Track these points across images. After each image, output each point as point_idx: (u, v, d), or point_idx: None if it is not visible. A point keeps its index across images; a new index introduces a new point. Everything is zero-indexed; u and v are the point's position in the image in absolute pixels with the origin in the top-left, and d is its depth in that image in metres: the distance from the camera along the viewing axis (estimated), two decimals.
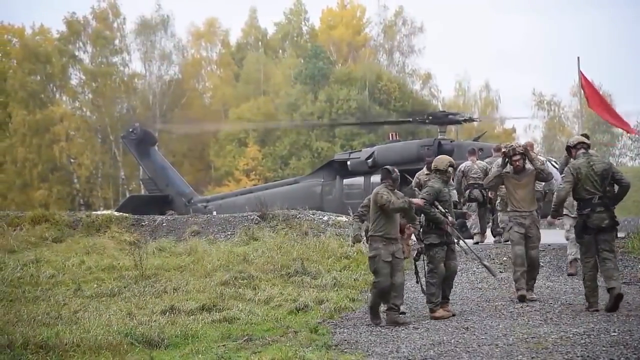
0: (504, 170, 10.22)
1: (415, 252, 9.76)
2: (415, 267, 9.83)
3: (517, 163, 10.04)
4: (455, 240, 9.65)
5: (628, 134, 52.83)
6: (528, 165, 10.14)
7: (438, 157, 10.14)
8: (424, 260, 9.69)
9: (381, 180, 9.47)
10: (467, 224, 15.08)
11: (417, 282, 9.85)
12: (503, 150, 10.40)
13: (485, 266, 10.15)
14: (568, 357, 6.98)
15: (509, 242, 10.63)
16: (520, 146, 10.21)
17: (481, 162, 15.10)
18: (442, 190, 9.64)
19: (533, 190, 10.29)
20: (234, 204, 25.01)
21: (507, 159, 10.14)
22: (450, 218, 9.56)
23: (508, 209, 10.61)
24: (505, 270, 12.05)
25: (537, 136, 59.48)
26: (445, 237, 9.53)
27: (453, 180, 10.77)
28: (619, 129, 51.39)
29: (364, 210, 9.73)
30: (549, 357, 7.03)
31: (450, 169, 9.77)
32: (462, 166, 14.96)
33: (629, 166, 54.21)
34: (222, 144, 51.21)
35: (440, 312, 9.39)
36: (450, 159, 9.94)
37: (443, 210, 9.53)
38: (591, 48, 74.87)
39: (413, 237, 10.10)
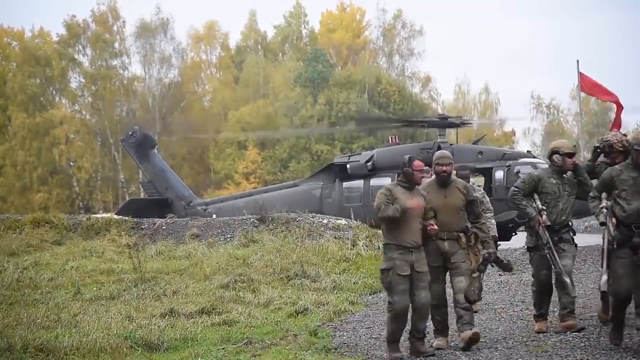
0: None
1: (481, 259, 7.81)
2: (479, 277, 7.91)
3: (618, 161, 7.84)
4: (543, 244, 7.93)
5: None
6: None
7: None
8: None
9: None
10: None
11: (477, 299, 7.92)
12: (595, 145, 8.54)
13: (565, 282, 7.90)
14: None
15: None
16: (619, 141, 8.10)
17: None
18: (544, 179, 8.08)
19: None
20: (233, 207, 24.99)
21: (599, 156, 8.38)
22: (544, 217, 7.92)
23: None
24: (504, 273, 12.03)
25: (537, 139, 59.55)
26: (535, 238, 8.00)
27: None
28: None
29: None
30: None
31: (555, 156, 8.08)
32: None
33: None
34: (221, 147, 51.24)
35: (537, 325, 8.17)
36: (558, 144, 8.28)
37: (540, 205, 7.97)
38: (592, 51, 74.93)
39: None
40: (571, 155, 8.07)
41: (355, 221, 16.59)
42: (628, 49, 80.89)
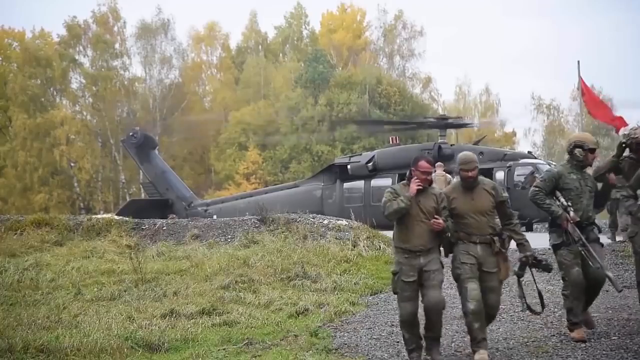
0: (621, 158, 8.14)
1: (519, 264, 7.43)
2: (519, 283, 7.56)
3: None
4: (575, 242, 7.56)
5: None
6: None
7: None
8: (532, 273, 7.70)
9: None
10: None
11: (523, 305, 7.65)
12: (621, 141, 8.21)
13: (608, 277, 7.60)
14: None
15: None
16: None
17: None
18: (564, 175, 7.72)
19: None
20: (234, 207, 25.04)
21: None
22: (571, 214, 7.55)
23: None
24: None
25: (537, 140, 59.60)
26: (565, 236, 7.61)
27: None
28: (619, 131, 51.59)
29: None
30: None
31: (577, 150, 7.74)
32: None
33: None
34: (222, 147, 51.26)
35: (575, 333, 7.65)
36: (582, 138, 7.94)
37: (564, 202, 7.60)
38: (592, 52, 75.00)
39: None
40: (593, 150, 7.75)
41: (356, 222, 16.56)
42: (628, 49, 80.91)
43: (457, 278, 7.22)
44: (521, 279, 7.46)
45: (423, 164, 7.14)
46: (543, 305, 7.69)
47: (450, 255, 7.35)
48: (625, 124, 16.75)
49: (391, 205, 7.04)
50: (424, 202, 7.09)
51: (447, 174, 18.45)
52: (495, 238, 7.18)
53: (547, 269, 7.46)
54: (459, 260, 7.17)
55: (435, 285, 7.01)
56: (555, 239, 7.70)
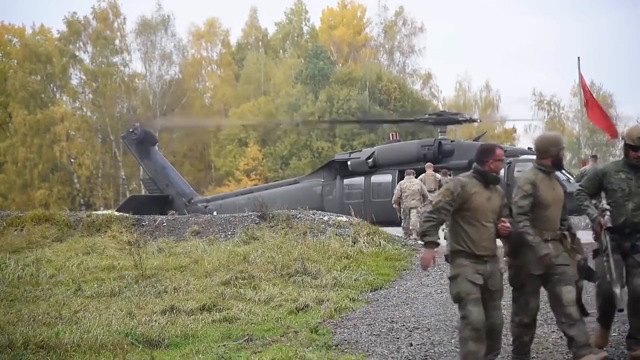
0: None
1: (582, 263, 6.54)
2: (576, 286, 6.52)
3: None
4: (604, 249, 6.60)
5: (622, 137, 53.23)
6: None
7: None
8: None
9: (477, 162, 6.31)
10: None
11: (580, 309, 6.65)
12: None
13: (615, 293, 6.53)
14: (568, 357, 6.97)
15: None
16: None
17: (417, 180, 17.73)
18: (609, 174, 6.80)
19: None
20: (234, 204, 25.02)
21: None
22: (606, 217, 6.54)
23: None
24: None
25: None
26: (600, 243, 6.69)
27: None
28: (619, 129, 51.72)
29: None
30: (549, 357, 7.02)
31: (624, 145, 6.82)
32: (400, 183, 17.92)
33: None
34: (222, 144, 51.27)
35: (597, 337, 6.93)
36: (626, 131, 7.00)
37: (605, 205, 6.65)
38: (592, 48, 74.96)
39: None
40: (635, 148, 6.70)
41: (356, 218, 16.56)
42: (628, 47, 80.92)
43: (519, 287, 6.45)
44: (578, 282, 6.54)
45: (500, 151, 6.30)
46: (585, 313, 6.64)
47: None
48: (617, 135, 16.71)
49: (431, 234, 6.12)
50: (494, 200, 6.19)
51: (436, 174, 18.67)
52: (566, 232, 6.43)
53: (589, 278, 6.63)
54: (529, 270, 6.33)
55: (499, 307, 6.26)
56: (597, 244, 6.84)
